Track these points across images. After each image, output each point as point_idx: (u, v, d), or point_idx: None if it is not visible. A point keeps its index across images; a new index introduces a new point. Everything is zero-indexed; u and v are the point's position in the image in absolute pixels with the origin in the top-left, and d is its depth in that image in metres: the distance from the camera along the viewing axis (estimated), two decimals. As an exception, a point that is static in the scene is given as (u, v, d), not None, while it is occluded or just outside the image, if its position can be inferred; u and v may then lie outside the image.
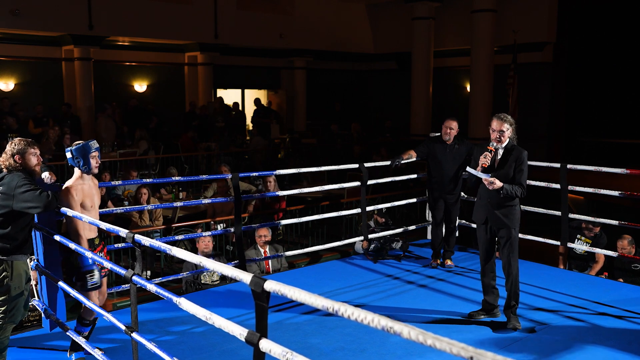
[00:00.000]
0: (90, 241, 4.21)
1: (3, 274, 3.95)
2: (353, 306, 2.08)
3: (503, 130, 4.65)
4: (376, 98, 19.30)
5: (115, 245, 5.62)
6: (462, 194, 6.53)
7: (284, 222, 6.97)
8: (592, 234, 6.64)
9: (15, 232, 3.98)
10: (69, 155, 4.20)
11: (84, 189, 4.18)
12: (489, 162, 4.68)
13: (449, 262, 6.38)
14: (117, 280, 6.63)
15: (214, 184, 9.46)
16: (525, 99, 14.51)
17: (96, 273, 4.10)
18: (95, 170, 4.23)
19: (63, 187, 4.18)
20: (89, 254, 3.89)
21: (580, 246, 6.59)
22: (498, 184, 4.59)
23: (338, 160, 12.78)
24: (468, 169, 4.83)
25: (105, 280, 4.43)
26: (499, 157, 4.73)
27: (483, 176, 4.66)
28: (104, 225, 3.79)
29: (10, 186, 3.90)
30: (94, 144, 4.23)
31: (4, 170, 4.01)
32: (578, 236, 6.71)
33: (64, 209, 4.05)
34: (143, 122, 13.66)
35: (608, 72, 14.31)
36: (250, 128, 16.45)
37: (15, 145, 4.02)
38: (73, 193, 4.12)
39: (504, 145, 4.71)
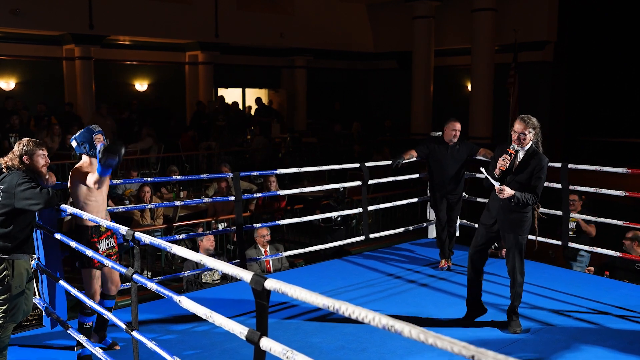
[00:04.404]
0: (95, 228, 4.17)
1: (4, 273, 3.95)
2: (354, 305, 2.07)
3: (525, 133, 4.51)
4: (376, 97, 19.27)
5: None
6: (464, 194, 6.50)
7: (284, 221, 6.92)
8: (578, 208, 6.77)
9: (17, 231, 3.97)
10: (74, 144, 4.19)
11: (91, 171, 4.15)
12: (508, 165, 4.54)
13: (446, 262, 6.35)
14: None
15: (215, 184, 9.46)
16: (526, 98, 14.48)
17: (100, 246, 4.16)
18: None
19: (73, 168, 4.18)
20: (90, 255, 3.89)
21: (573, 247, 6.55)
22: (508, 192, 4.45)
23: (338, 159, 12.78)
24: (482, 169, 4.72)
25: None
26: (519, 160, 4.58)
27: (494, 184, 4.55)
28: (104, 223, 3.79)
29: (11, 184, 3.90)
30: (95, 127, 4.21)
31: (4, 170, 4.01)
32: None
33: (63, 206, 4.04)
34: (161, 121, 13.68)
35: (609, 71, 14.28)
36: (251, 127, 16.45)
37: (24, 146, 4.00)
38: (81, 172, 4.10)
39: (525, 148, 4.56)
